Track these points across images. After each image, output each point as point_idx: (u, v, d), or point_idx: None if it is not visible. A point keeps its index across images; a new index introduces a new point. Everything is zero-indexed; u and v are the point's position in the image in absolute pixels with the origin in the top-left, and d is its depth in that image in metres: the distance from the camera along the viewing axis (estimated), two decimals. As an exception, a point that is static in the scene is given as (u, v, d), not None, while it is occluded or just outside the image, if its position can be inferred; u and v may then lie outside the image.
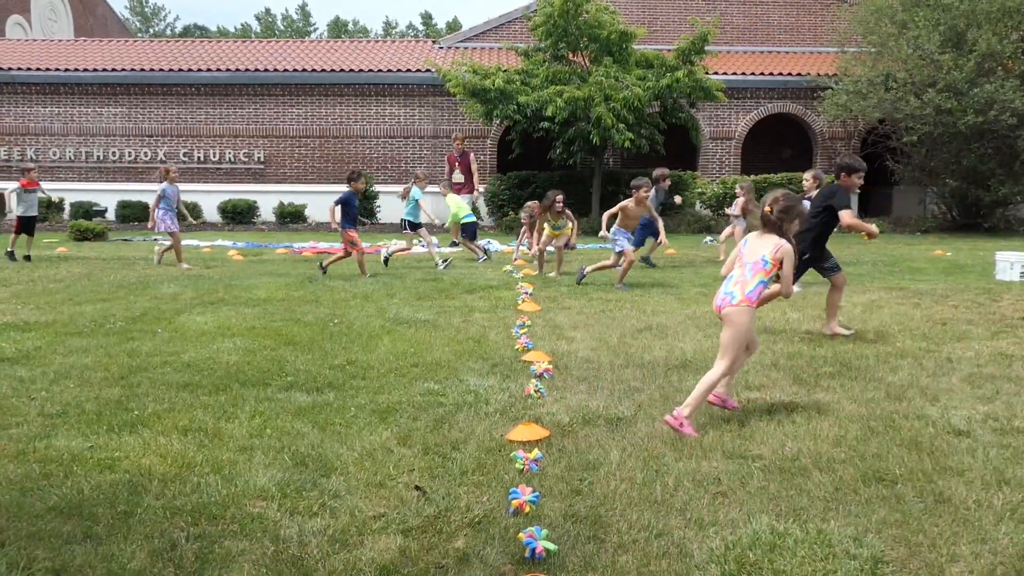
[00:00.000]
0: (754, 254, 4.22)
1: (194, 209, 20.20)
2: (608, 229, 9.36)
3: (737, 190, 12.63)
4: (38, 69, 21.09)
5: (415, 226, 12.16)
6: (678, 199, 13.33)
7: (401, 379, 5.03)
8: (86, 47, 23.92)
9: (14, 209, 13.65)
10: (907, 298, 8.32)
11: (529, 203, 12.46)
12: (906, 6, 17.95)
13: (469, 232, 12.96)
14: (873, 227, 6.66)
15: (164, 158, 20.99)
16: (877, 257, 12.91)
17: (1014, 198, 18.03)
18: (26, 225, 12.41)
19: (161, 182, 12.01)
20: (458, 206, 13.11)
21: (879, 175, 21.21)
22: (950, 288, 9.07)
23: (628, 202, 9.07)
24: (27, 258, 12.11)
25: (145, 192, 20.52)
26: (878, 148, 19.79)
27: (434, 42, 24.73)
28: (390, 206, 20.51)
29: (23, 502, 3.13)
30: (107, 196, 20.58)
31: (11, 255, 12.11)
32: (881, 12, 18.33)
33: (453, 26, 62.05)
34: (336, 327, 6.74)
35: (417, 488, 3.26)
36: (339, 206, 10.14)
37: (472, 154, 18.62)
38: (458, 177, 15.25)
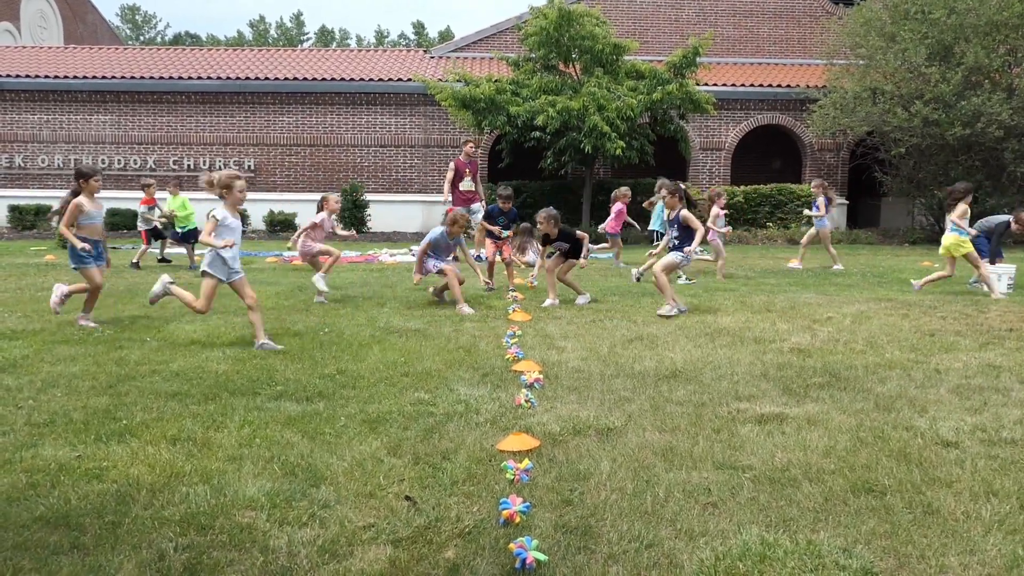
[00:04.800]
0: None
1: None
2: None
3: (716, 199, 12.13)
4: (27, 76, 20.99)
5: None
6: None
7: (391, 388, 5.01)
8: (76, 54, 23.84)
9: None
10: (895, 309, 8.36)
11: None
12: (894, 19, 18.11)
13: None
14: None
15: (154, 166, 20.93)
16: (866, 268, 12.99)
17: (1001, 210, 18.15)
18: None
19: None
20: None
21: (868, 187, 21.41)
22: (938, 299, 9.12)
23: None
24: None
25: (134, 200, 20.47)
26: (867, 160, 19.94)
27: (425, 51, 24.78)
28: (380, 215, 20.59)
29: (9, 512, 3.10)
30: (96, 204, 20.40)
31: None
32: (869, 25, 18.50)
33: (445, 35, 62.27)
34: (326, 336, 6.73)
35: (407, 498, 3.25)
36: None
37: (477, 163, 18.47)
38: (468, 185, 14.34)
